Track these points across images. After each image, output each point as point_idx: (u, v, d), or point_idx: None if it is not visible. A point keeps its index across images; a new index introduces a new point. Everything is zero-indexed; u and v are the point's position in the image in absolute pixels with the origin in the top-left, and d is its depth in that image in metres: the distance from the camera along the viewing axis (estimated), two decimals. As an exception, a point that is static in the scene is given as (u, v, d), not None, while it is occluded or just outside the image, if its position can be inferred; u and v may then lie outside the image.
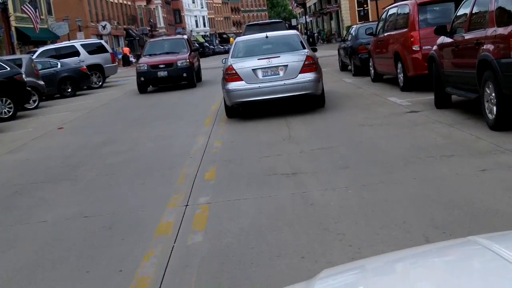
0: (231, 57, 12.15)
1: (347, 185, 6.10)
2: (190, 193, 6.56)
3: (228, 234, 5.04)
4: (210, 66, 37.15)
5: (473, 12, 8.96)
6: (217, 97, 16.18)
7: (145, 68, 20.95)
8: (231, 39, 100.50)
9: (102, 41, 29.00)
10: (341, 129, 9.73)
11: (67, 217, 6.20)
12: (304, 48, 12.29)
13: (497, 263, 1.53)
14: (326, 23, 67.38)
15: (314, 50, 13.47)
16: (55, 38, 45.49)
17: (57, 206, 6.77)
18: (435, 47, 10.59)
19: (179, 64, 20.76)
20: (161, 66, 20.85)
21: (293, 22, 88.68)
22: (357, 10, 55.01)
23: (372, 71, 16.64)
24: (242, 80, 11.52)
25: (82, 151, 10.37)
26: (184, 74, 20.86)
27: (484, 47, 8.15)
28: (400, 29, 13.68)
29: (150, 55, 22.11)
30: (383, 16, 15.88)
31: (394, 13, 14.54)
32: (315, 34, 63.01)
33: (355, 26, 20.22)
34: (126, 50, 62.98)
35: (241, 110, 12.42)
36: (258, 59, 11.62)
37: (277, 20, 29.90)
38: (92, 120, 15.44)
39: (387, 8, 15.99)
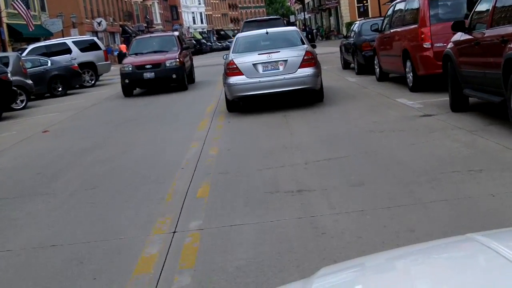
0: (232, 52, 12.40)
1: (364, 208, 5.17)
2: (179, 215, 5.63)
3: (222, 275, 4.11)
4: (206, 64, 36.27)
5: (497, 5, 8.04)
6: (212, 100, 15.27)
7: (130, 69, 18.78)
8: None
9: (95, 38, 28.04)
10: (349, 135, 8.80)
11: (34, 245, 5.28)
12: (303, 44, 12.56)
13: (496, 260, 1.55)
14: (325, 20, 66.39)
15: (313, 46, 13.48)
16: (49, 35, 44.48)
17: (27, 228, 5.85)
18: (450, 45, 9.66)
19: (167, 64, 18.58)
20: (148, 66, 18.67)
21: (292, 18, 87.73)
22: (357, 6, 54.08)
23: (378, 69, 15.72)
24: (243, 74, 11.75)
25: (64, 159, 9.43)
26: (174, 75, 18.60)
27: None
28: (409, 25, 12.75)
29: (136, 54, 20.05)
30: (389, 11, 14.95)
31: (402, 8, 13.61)
32: (314, 31, 62.08)
33: (358, 22, 19.29)
34: (123, 47, 61.82)
35: (241, 105, 12.55)
36: (259, 54, 11.88)
37: (275, 17, 30.01)
38: (80, 122, 14.49)
39: (393, 2, 15.06)
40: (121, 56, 59.59)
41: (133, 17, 74.20)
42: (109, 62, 26.99)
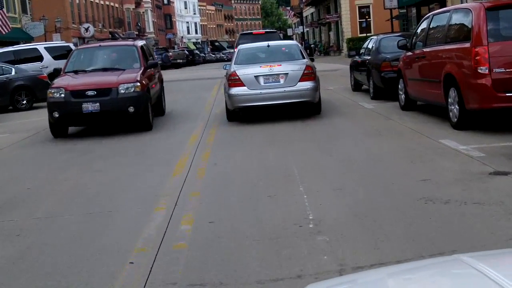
0: (234, 64, 12.70)
1: None
2: None
3: None
4: (196, 77, 33.28)
5: None
6: (188, 156, 9.08)
7: (62, 95, 11.86)
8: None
9: (71, 44, 24.97)
10: (395, 208, 5.73)
11: None
12: (303, 58, 12.92)
13: (482, 282, 1.60)
14: (324, 34, 63.53)
15: (312, 60, 13.78)
16: (29, 39, 41.39)
17: None
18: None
19: (121, 91, 11.82)
20: (90, 93, 11.81)
21: (289, 32, 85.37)
22: (359, 22, 51.26)
23: (402, 95, 12.77)
24: (245, 85, 12.06)
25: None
26: (131, 108, 11.74)
27: None
28: (456, 42, 9.81)
29: (75, 72, 13.07)
30: (423, 25, 11.98)
31: (444, 21, 10.64)
32: (312, 46, 59.31)
33: (375, 37, 16.33)
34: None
35: (241, 115, 12.69)
36: (261, 67, 12.27)
37: (272, 30, 30.71)
38: (21, 152, 11.14)
39: (429, 14, 12.12)
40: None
41: (124, 24, 71.24)
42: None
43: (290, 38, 78.12)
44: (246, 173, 7.69)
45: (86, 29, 52.94)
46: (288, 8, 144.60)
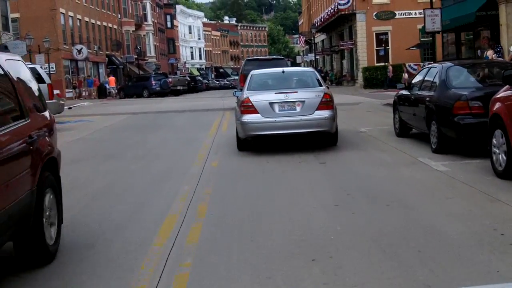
0: (247, 90, 12.04)
1: None
2: None
3: None
4: (195, 107, 28.44)
5: None
6: None
7: None
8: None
9: (37, 66, 20.42)
10: None
11: None
12: (320, 85, 12.19)
13: None
14: (335, 62, 59.12)
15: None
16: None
17: None
18: None
19: None
20: None
21: (298, 59, 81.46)
22: (376, 49, 46.90)
23: (501, 155, 8.14)
24: (258, 113, 11.37)
25: None
26: None
27: None
28: None
29: None
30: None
31: None
32: (323, 73, 54.96)
33: (438, 64, 11.64)
34: (112, 80, 54.83)
35: (252, 144, 12.01)
36: (276, 93, 11.53)
37: (279, 57, 29.38)
38: None
39: None
40: (102, 89, 52.38)
41: (123, 47, 67.08)
42: (55, 101, 19.20)
43: (298, 65, 74.04)
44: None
45: (79, 51, 48.63)
46: (296, 36, 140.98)
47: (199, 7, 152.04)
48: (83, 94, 47.03)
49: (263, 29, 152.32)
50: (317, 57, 69.63)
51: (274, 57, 28.73)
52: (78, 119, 24.32)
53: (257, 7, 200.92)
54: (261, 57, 32.90)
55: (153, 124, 20.90)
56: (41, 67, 26.42)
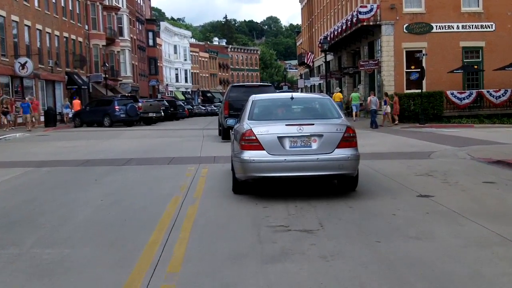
0: (248, 119, 9.78)
1: None
2: None
3: None
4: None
5: None
6: None
7: None
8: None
9: None
10: None
11: None
12: (340, 116, 9.93)
13: None
14: (347, 87, 48.31)
15: None
16: None
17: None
18: None
19: None
20: None
21: (300, 83, 71.01)
22: (405, 72, 36.29)
23: None
24: (264, 149, 9.10)
25: None
26: None
27: None
28: None
29: None
30: None
31: None
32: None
33: None
34: (76, 103, 43.75)
35: (252, 186, 9.67)
36: (287, 125, 9.24)
37: (266, 84, 27.85)
38: None
39: None
40: (49, 115, 41.20)
41: (91, 64, 56.14)
42: None
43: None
44: None
45: (22, 65, 37.65)
46: (288, 61, 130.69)
47: (187, 28, 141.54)
48: (18, 121, 35.65)
49: (255, 52, 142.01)
50: (319, 83, 59.10)
51: (261, 84, 27.59)
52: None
53: (249, 31, 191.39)
54: (247, 83, 31.22)
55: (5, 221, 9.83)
56: None
